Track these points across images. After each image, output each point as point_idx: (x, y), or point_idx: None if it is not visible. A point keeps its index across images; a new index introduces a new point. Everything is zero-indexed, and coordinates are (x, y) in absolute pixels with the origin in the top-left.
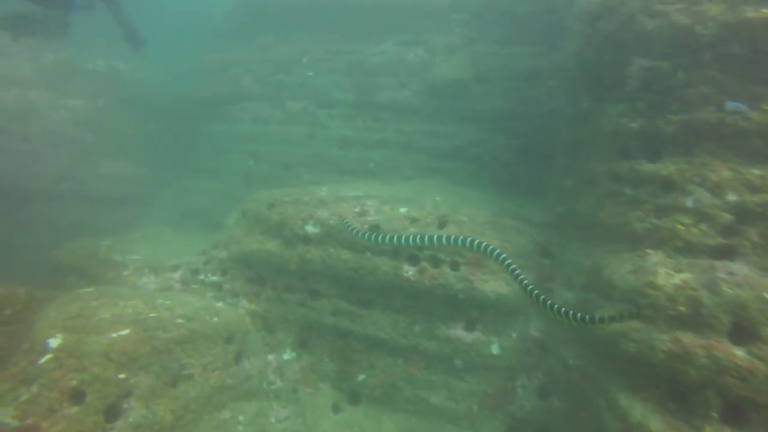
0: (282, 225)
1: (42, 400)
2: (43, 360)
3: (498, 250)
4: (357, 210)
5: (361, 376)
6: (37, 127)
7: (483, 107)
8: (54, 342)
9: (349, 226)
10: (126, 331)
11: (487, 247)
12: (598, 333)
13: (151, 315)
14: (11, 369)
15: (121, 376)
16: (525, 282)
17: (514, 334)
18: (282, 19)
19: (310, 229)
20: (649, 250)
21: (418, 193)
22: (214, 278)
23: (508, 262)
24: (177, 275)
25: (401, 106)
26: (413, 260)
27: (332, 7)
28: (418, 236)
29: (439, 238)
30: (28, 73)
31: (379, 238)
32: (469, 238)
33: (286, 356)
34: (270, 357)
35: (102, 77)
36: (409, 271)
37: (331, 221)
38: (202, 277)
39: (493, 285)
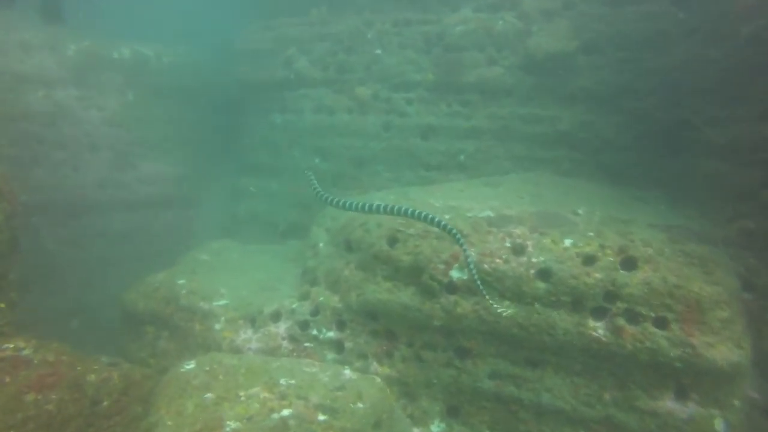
0: (418, 270)
1: None
2: None
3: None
4: (508, 245)
5: None
6: (70, 131)
7: (591, 84)
8: None
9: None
10: None
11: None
12: None
13: (284, 413)
14: None
15: None
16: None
17: (737, 402)
18: None
19: (456, 275)
20: None
21: (547, 200)
22: (331, 334)
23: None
24: (282, 329)
25: (492, 86)
26: (600, 314)
27: None
28: (383, 206)
29: (399, 209)
30: (53, 69)
31: (346, 204)
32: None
33: (435, 429)
34: (416, 431)
35: (129, 66)
36: (598, 330)
37: (485, 266)
38: (314, 332)
39: (723, 351)
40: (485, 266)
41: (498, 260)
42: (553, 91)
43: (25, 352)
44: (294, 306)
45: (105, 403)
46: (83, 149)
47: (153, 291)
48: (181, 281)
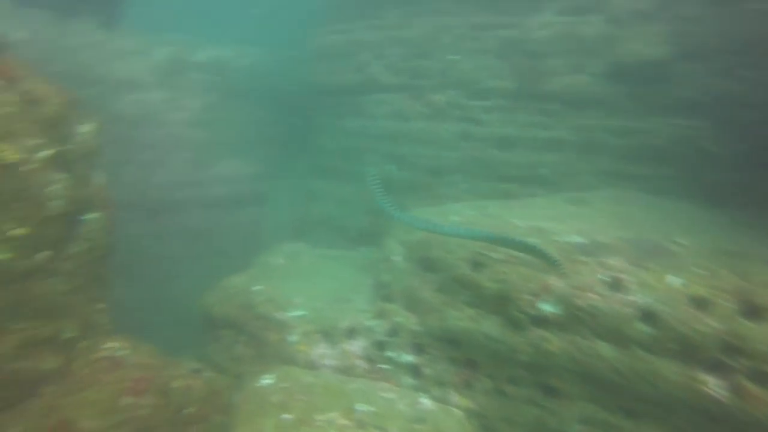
0: (503, 299)
1: None
2: None
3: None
4: (603, 278)
5: None
6: (156, 133)
7: (691, 93)
8: None
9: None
10: None
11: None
12: None
13: None
14: None
15: None
16: None
17: None
18: None
19: (546, 308)
20: None
21: (641, 224)
22: (409, 358)
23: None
24: (357, 348)
25: (577, 95)
26: (716, 368)
27: None
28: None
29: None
30: (144, 73)
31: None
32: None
33: None
34: None
35: (210, 68)
36: (713, 387)
37: (578, 301)
38: (391, 354)
39: None
40: (578, 301)
41: (592, 295)
42: (646, 101)
43: (121, 352)
44: (370, 324)
45: (188, 411)
46: (166, 150)
47: (230, 297)
48: (256, 287)
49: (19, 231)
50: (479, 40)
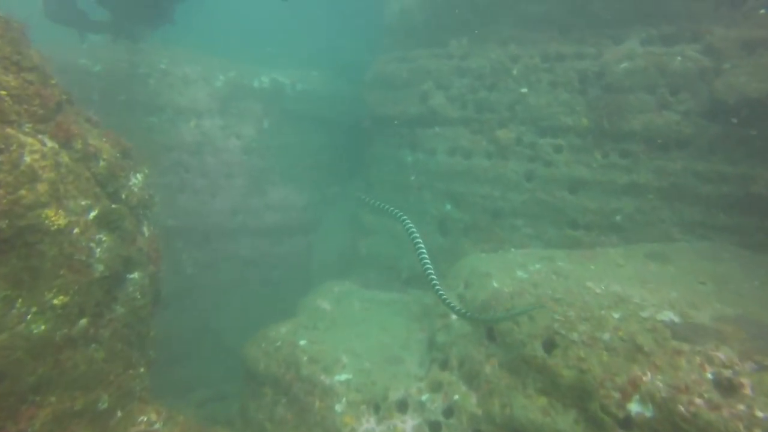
0: (583, 392)
1: None
2: None
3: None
4: (709, 376)
5: None
6: (212, 160)
7: None
8: None
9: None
10: None
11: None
12: None
13: None
14: None
15: None
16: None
17: None
18: (480, 14)
19: (635, 408)
20: None
21: (744, 292)
22: None
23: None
24: (409, 426)
25: (662, 135)
26: None
27: None
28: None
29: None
30: (204, 100)
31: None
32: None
33: None
34: None
35: (267, 95)
36: None
37: (678, 406)
38: None
39: None
40: (678, 407)
41: (698, 400)
42: (748, 143)
43: (157, 426)
44: (423, 398)
45: None
46: (221, 177)
47: (274, 350)
48: (302, 342)
49: (60, 300)
50: (552, 71)
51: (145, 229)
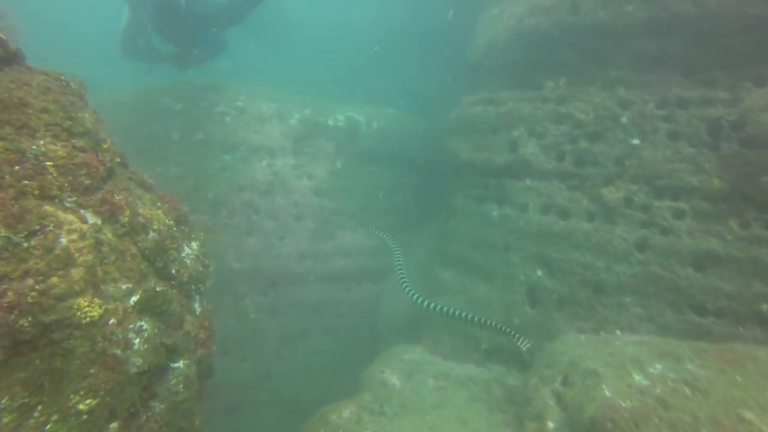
0: None
1: None
2: None
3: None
4: None
5: None
6: (282, 201)
7: None
8: None
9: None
10: None
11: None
12: None
13: None
14: None
15: None
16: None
17: None
18: (582, 53)
19: None
20: None
21: None
22: None
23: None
24: None
25: None
26: None
27: (676, 28)
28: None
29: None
30: (277, 138)
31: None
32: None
33: None
34: None
35: (341, 133)
36: None
37: None
38: None
39: None
40: None
41: None
42: None
43: None
44: None
45: None
46: (290, 219)
47: None
48: (367, 420)
49: (87, 404)
50: (672, 120)
51: (196, 306)
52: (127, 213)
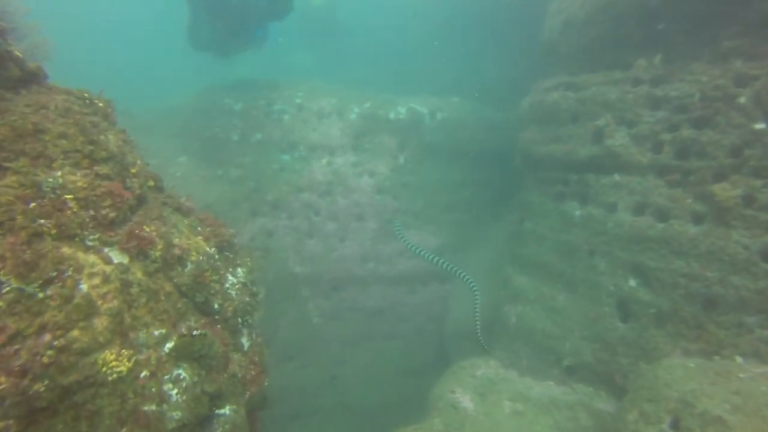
0: None
1: None
2: None
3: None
4: None
5: None
6: (343, 201)
7: None
8: None
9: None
10: None
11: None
12: None
13: None
14: None
15: None
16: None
17: None
18: (686, 22)
19: None
20: None
21: None
22: None
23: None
24: None
25: None
26: None
27: None
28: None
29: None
30: (336, 135)
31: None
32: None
33: None
34: None
35: (404, 127)
36: None
37: None
38: None
39: None
40: None
41: None
42: None
43: None
44: None
45: None
46: (351, 219)
47: None
48: None
49: None
50: None
51: (244, 341)
52: (160, 246)
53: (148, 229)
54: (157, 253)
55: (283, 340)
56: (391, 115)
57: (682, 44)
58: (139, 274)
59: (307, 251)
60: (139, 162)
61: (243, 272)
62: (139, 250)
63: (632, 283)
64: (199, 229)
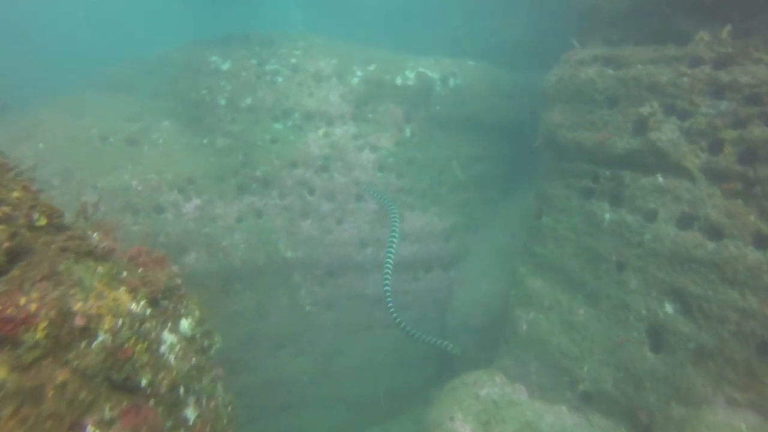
0: None
1: None
2: None
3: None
4: None
5: None
6: (340, 178)
7: None
8: None
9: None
10: None
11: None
12: None
13: None
14: None
15: None
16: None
17: None
18: None
19: None
20: None
21: None
22: None
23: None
24: None
25: None
26: None
27: None
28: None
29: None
30: (336, 102)
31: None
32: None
33: None
34: None
35: (411, 94)
36: None
37: None
38: None
39: None
40: None
41: None
42: None
43: None
44: None
45: None
46: (350, 199)
47: None
48: None
49: None
50: None
51: (189, 414)
52: (43, 325)
53: (22, 301)
54: (39, 335)
55: (274, 328)
56: (398, 81)
57: (762, 12)
58: (2, 374)
59: (301, 234)
60: (27, 183)
61: (189, 324)
62: (2, 338)
63: (669, 309)
64: (125, 275)
